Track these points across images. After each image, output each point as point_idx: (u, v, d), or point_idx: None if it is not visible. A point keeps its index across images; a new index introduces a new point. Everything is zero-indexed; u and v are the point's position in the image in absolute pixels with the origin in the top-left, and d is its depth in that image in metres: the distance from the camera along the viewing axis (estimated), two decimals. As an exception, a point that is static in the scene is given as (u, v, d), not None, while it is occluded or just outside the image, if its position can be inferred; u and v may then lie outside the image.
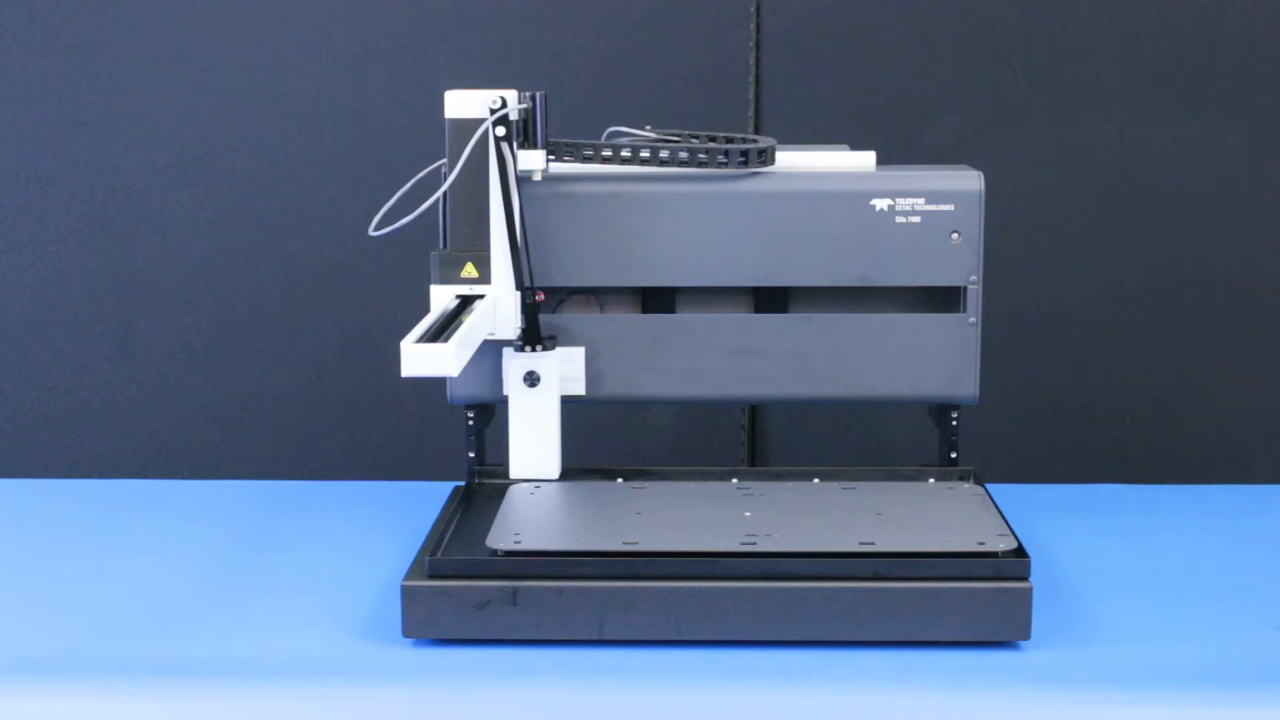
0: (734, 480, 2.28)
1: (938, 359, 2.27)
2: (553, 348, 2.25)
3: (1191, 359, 2.75)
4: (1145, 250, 2.72)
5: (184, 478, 2.73)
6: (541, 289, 2.22)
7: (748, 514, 2.10)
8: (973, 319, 2.27)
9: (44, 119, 2.75)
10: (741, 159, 2.21)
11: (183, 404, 2.81)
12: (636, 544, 1.98)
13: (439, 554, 1.98)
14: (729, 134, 2.32)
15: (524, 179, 2.19)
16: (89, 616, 2.06)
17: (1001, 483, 2.38)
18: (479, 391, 2.29)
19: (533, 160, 2.18)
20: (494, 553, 1.97)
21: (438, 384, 2.26)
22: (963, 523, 2.06)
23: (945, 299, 2.29)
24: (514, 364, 2.24)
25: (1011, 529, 2.02)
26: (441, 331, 1.98)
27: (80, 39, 2.73)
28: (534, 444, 2.27)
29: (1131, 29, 2.67)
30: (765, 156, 2.23)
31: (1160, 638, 1.98)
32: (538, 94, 2.17)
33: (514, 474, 2.27)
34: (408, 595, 1.93)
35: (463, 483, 2.31)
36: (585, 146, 2.22)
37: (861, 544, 1.97)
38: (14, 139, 2.76)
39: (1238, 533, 2.43)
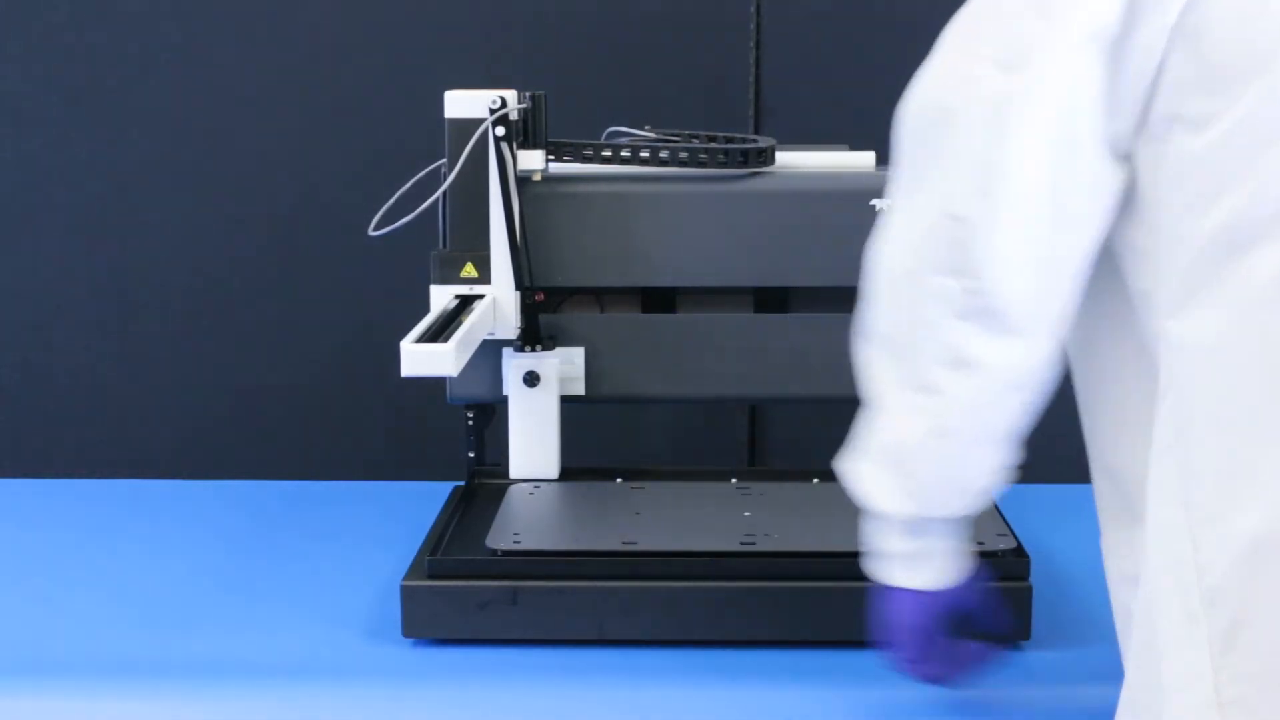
0: (734, 480, 2.28)
1: (938, 359, 2.27)
2: (553, 348, 2.24)
3: (1191, 359, 2.74)
4: (1145, 250, 2.71)
5: (184, 478, 2.73)
6: (541, 289, 2.22)
7: (747, 514, 2.10)
8: (973, 319, 2.26)
9: (44, 119, 2.75)
10: (741, 159, 2.21)
11: (183, 404, 2.81)
12: (636, 544, 1.98)
13: (439, 554, 1.98)
14: (729, 134, 2.32)
15: (524, 179, 2.19)
16: (89, 616, 2.06)
17: (1001, 483, 2.36)
18: (479, 391, 2.28)
19: (533, 160, 2.18)
20: (494, 553, 1.97)
21: (438, 384, 2.26)
22: (963, 523, 2.05)
23: (945, 299, 2.28)
24: (514, 364, 2.23)
25: (1011, 529, 2.01)
26: (441, 331, 1.98)
27: (80, 39, 2.73)
28: (534, 444, 2.26)
29: (1131, 29, 2.66)
30: (765, 156, 2.22)
31: (1160, 638, 1.98)
32: (538, 94, 2.17)
33: (514, 474, 2.27)
34: (408, 595, 1.93)
35: (463, 483, 2.31)
36: (585, 146, 2.21)
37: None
38: (14, 139, 2.76)
39: (1238, 533, 2.42)
